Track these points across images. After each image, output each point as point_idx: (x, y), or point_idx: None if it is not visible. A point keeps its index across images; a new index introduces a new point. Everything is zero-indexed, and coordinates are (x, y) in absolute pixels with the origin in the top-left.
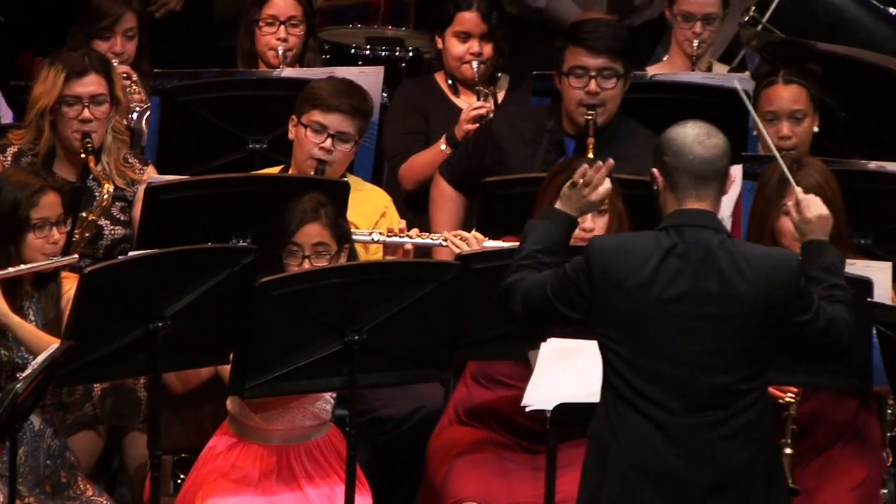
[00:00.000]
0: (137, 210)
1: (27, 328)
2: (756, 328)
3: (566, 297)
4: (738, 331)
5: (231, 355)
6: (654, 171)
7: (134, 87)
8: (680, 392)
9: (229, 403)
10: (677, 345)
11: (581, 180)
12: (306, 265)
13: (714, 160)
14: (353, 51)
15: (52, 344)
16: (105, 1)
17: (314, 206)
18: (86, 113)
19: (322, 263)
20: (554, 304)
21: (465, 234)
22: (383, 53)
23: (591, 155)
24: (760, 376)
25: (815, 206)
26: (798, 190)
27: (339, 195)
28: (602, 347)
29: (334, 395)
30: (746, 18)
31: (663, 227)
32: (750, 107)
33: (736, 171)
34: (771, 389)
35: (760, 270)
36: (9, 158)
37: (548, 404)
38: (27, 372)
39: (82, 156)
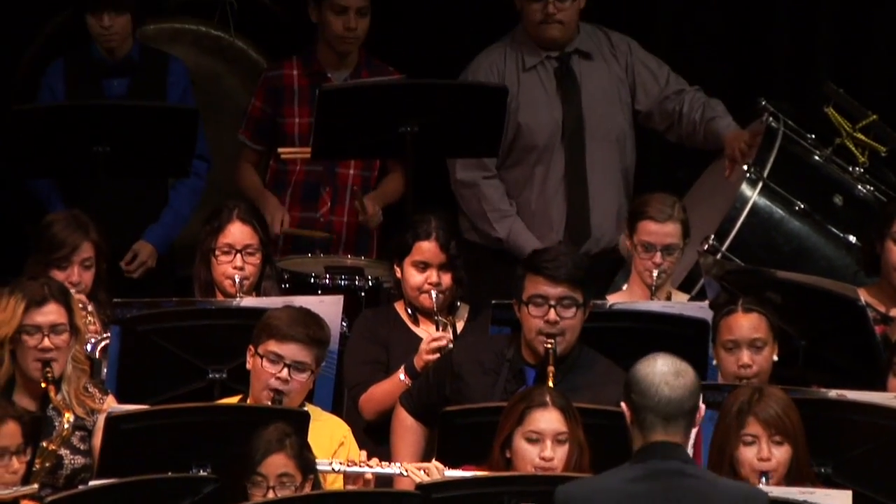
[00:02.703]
0: (97, 439)
1: None
2: None
3: None
4: None
5: None
6: (623, 405)
7: (90, 318)
8: None
9: None
10: None
11: None
12: (271, 496)
13: (681, 401)
14: (312, 280)
15: None
16: (62, 231)
17: (279, 437)
18: (46, 342)
19: (287, 494)
20: None
21: (426, 464)
22: (343, 282)
23: (551, 384)
24: None
25: None
26: None
27: (298, 425)
28: None
29: None
30: (706, 247)
31: (631, 461)
32: None
33: None
34: None
35: (729, 502)
36: None
37: None
38: None
39: (42, 385)
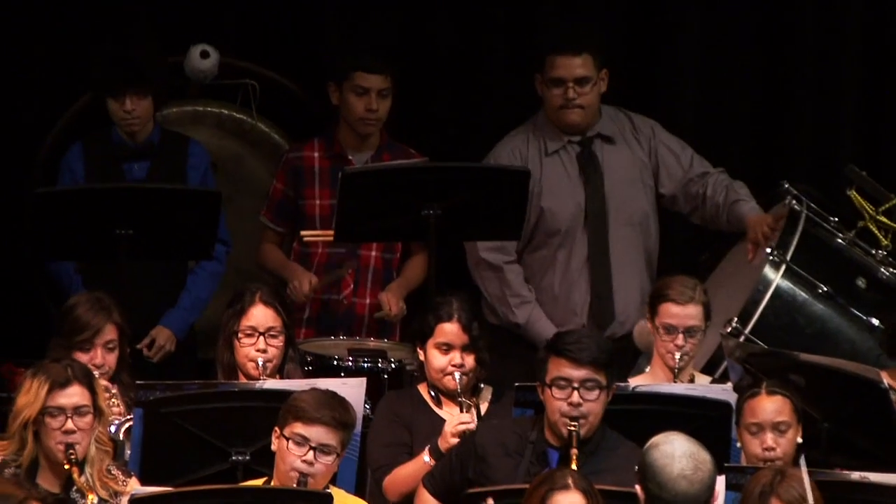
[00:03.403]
0: None
1: None
2: None
3: None
4: None
5: None
6: (638, 487)
7: (113, 400)
8: None
9: None
10: None
11: None
12: None
13: (698, 496)
14: (335, 362)
15: None
16: (85, 313)
17: None
18: (69, 424)
19: None
20: None
21: None
22: (366, 365)
23: (574, 466)
24: None
25: None
26: None
27: None
28: None
29: None
30: (729, 329)
31: None
32: None
33: (719, 482)
34: None
35: None
36: None
37: None
38: None
39: (66, 467)
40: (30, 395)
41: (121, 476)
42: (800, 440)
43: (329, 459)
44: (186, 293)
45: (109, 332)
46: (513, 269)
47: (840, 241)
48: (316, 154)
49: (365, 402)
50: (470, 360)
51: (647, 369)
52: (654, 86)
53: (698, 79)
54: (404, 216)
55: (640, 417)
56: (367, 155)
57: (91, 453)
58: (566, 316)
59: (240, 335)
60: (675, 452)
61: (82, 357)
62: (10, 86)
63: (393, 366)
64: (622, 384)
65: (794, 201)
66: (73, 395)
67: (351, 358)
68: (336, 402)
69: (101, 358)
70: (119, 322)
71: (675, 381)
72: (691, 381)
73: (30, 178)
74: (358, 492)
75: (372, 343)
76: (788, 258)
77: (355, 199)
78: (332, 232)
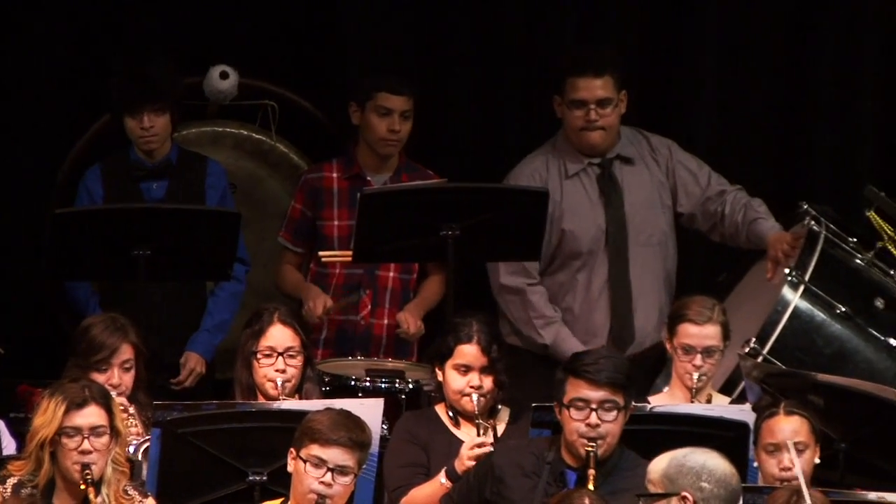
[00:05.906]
0: None
1: None
2: None
3: None
4: None
5: None
6: (686, 494)
7: (131, 420)
8: None
9: None
10: None
11: None
12: None
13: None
14: (353, 382)
15: None
16: (101, 333)
17: None
18: (85, 444)
19: None
20: None
21: None
22: (383, 385)
23: (591, 486)
24: None
25: None
26: None
27: None
28: None
29: None
30: (747, 350)
31: None
32: None
33: None
34: None
35: None
36: (9, 490)
37: None
38: None
39: (82, 487)
40: (46, 416)
41: (137, 496)
42: (818, 460)
43: (347, 480)
44: (209, 315)
45: (125, 352)
46: (535, 291)
47: (859, 261)
48: (335, 175)
49: (382, 423)
50: (488, 382)
51: (666, 389)
52: (673, 105)
53: (716, 98)
54: (423, 237)
55: (658, 438)
56: (385, 176)
57: (108, 474)
58: (586, 337)
59: (258, 355)
60: (713, 454)
61: (99, 377)
62: (30, 108)
63: (410, 386)
64: (640, 404)
65: (812, 222)
66: (90, 415)
67: (368, 378)
68: (351, 423)
69: (117, 378)
70: (135, 342)
71: (692, 402)
72: (709, 401)
73: (49, 199)
74: None
75: (390, 363)
76: (807, 279)
77: (373, 219)
78: (350, 252)
